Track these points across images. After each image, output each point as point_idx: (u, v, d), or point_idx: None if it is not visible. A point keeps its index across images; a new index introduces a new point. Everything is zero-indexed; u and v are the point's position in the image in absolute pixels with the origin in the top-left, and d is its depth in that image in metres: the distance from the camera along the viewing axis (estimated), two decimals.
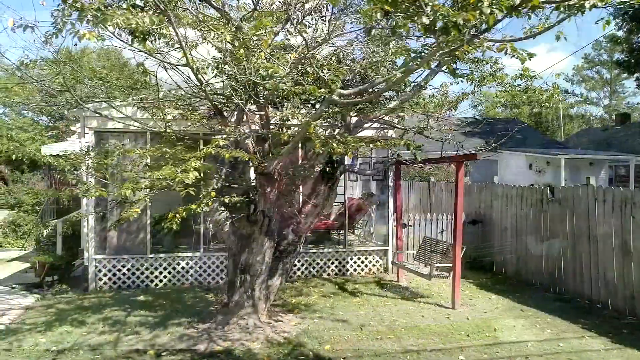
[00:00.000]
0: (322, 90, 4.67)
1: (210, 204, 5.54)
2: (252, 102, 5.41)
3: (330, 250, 8.89)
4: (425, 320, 6.08)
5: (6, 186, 21.47)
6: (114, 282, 7.88)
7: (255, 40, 4.72)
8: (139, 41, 4.09)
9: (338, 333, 5.50)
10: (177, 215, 5.01)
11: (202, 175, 4.62)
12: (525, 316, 6.27)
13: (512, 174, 20.11)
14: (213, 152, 5.14)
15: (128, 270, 7.93)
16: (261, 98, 5.29)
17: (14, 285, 8.16)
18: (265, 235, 5.64)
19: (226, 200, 5.54)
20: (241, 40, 5.29)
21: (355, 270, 9.00)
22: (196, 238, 8.69)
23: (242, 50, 4.59)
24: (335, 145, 5.03)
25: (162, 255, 8.08)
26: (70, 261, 8.58)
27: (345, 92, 4.66)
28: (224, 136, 5.45)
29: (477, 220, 9.66)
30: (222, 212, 6.03)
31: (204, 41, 5.15)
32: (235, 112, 6.07)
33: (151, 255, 8.00)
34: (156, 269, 8.04)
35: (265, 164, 5.15)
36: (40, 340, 5.39)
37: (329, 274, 8.84)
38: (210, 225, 6.02)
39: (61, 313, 6.43)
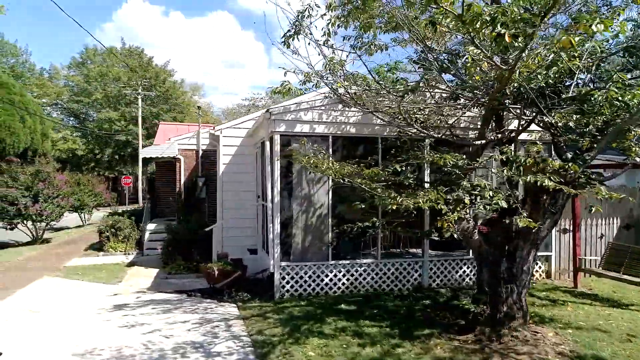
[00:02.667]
0: None
1: (483, 207, 5.34)
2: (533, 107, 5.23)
3: None
4: None
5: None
6: (296, 290, 7.68)
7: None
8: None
9: (620, 347, 5.32)
10: (450, 222, 4.86)
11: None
12: None
13: None
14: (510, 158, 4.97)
15: (309, 277, 7.74)
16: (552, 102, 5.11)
17: (190, 293, 7.93)
18: (531, 245, 5.47)
19: (481, 207, 5.39)
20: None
21: None
22: (364, 244, 8.54)
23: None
24: None
25: (341, 261, 7.89)
26: (245, 267, 8.37)
27: None
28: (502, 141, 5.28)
29: (631, 225, 9.51)
30: (470, 220, 5.84)
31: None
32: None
33: (332, 262, 7.81)
34: (335, 275, 7.86)
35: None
36: (310, 354, 5.19)
37: None
38: (458, 233, 5.80)
39: (285, 323, 6.21)
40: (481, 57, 4.16)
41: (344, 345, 5.42)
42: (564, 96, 4.86)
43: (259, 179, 9.41)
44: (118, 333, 5.94)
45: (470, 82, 5.25)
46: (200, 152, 13.89)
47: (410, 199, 4.34)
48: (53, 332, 6.08)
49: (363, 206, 5.29)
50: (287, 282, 7.64)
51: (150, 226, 13.57)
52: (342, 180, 5.32)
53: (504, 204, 4.40)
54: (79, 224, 21.71)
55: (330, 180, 7.72)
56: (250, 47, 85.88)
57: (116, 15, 78.61)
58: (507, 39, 3.12)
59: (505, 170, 4.60)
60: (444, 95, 6.54)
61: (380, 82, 5.44)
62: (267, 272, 7.69)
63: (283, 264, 7.58)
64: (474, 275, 8.53)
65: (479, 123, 7.52)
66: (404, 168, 5.37)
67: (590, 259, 8.64)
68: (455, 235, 5.96)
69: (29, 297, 8.13)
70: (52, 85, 41.28)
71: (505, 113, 6.30)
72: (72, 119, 42.63)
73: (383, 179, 5.36)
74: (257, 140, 9.52)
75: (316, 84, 5.68)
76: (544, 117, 5.36)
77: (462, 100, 6.43)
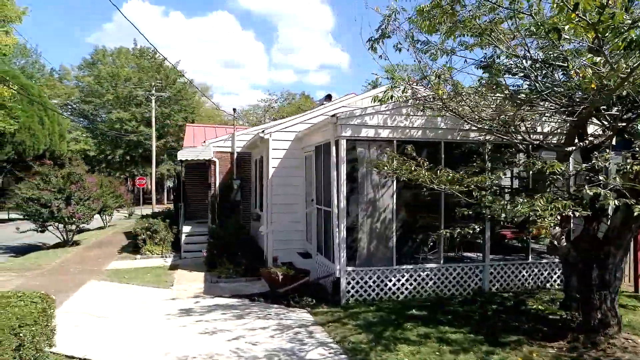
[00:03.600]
0: None
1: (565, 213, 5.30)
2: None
3: (556, 261, 8.71)
4: None
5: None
6: (360, 295, 7.67)
7: None
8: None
9: None
10: (546, 229, 4.84)
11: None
12: None
13: None
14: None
15: (374, 282, 7.72)
16: None
17: (254, 298, 7.89)
18: (623, 251, 5.46)
19: (570, 214, 5.36)
20: None
21: None
22: (422, 249, 8.53)
23: None
24: None
25: (405, 266, 7.87)
26: (308, 272, 8.33)
27: None
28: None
29: None
30: (556, 226, 5.83)
31: None
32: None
33: (396, 267, 7.80)
34: (399, 280, 7.84)
35: None
36: None
37: (551, 284, 8.66)
38: (548, 238, 5.79)
39: (365, 329, 6.19)
40: (602, 64, 4.14)
41: (437, 353, 5.40)
42: None
43: (314, 183, 9.36)
44: (201, 340, 5.91)
45: (560, 88, 5.23)
46: (235, 155, 13.86)
47: (525, 206, 4.32)
48: (132, 339, 6.04)
49: (470, 212, 5.27)
50: (352, 287, 7.62)
51: (186, 229, 13.53)
52: (435, 187, 5.30)
53: None
54: (99, 225, 21.66)
55: (395, 185, 7.73)
56: (250, 47, 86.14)
57: (117, 15, 78.85)
58: None
59: (617, 178, 4.58)
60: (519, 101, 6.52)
61: (481, 88, 5.40)
62: (333, 277, 7.65)
63: (349, 269, 7.56)
64: (532, 279, 8.53)
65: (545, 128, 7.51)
66: (505, 175, 5.36)
67: None
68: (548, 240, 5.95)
69: (87, 302, 8.10)
70: (62, 87, 41.22)
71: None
72: (82, 119, 42.53)
73: (473, 186, 5.33)
74: (309, 143, 9.49)
75: (404, 89, 5.65)
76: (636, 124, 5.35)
77: (537, 106, 6.43)
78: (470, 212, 5.21)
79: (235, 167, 13.88)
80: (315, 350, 5.51)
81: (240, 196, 13.82)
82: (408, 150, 5.81)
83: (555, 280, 8.66)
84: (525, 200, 4.66)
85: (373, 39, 5.85)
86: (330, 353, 5.43)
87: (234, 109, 15.22)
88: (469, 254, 8.97)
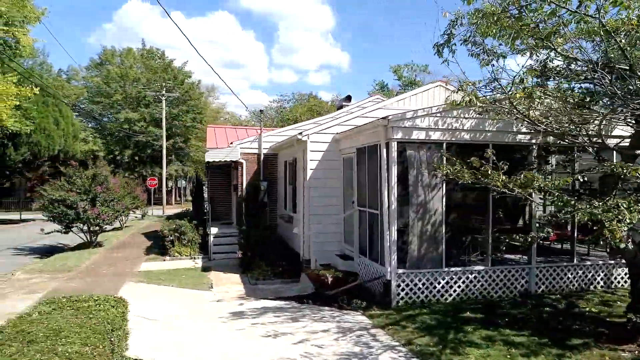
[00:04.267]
0: None
1: None
2: None
3: (600, 263, 8.72)
4: None
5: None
6: (410, 297, 7.66)
7: None
8: None
9: None
10: (614, 230, 4.83)
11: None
12: None
13: None
14: None
15: (423, 284, 7.72)
16: None
17: (303, 300, 7.87)
18: None
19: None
20: None
21: (619, 283, 8.84)
22: (467, 251, 8.53)
23: None
24: None
25: (453, 268, 7.86)
26: (357, 275, 8.32)
27: None
28: None
29: None
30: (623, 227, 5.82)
31: None
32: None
33: (445, 269, 7.79)
34: (447, 282, 7.83)
35: None
36: None
37: (594, 286, 8.67)
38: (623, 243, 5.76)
39: (428, 332, 6.18)
40: None
41: (507, 356, 5.40)
42: None
43: (355, 186, 9.31)
44: (267, 344, 5.89)
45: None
46: (262, 157, 13.86)
47: (609, 209, 4.32)
48: (195, 342, 6.03)
49: (569, 216, 5.25)
50: (402, 290, 7.61)
51: (213, 230, 13.50)
52: (506, 191, 5.29)
53: None
54: (115, 226, 21.60)
55: (444, 187, 7.73)
56: (251, 47, 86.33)
57: (117, 15, 79.03)
58: None
59: None
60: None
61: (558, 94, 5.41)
62: (383, 279, 7.64)
63: (399, 271, 7.55)
64: (576, 281, 8.52)
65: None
66: (585, 178, 5.36)
67: None
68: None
69: (132, 304, 8.02)
70: (71, 87, 41.11)
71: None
72: (91, 120, 42.38)
73: (539, 186, 5.32)
74: (350, 145, 9.47)
75: (471, 93, 5.65)
76: None
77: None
78: (551, 218, 5.21)
79: (262, 169, 13.88)
80: (386, 354, 5.50)
81: (267, 197, 13.82)
82: (488, 154, 5.79)
83: (598, 282, 8.66)
84: (601, 203, 4.66)
85: (439, 44, 5.86)
86: (400, 356, 5.43)
87: (261, 110, 15.18)
88: (510, 256, 8.98)
